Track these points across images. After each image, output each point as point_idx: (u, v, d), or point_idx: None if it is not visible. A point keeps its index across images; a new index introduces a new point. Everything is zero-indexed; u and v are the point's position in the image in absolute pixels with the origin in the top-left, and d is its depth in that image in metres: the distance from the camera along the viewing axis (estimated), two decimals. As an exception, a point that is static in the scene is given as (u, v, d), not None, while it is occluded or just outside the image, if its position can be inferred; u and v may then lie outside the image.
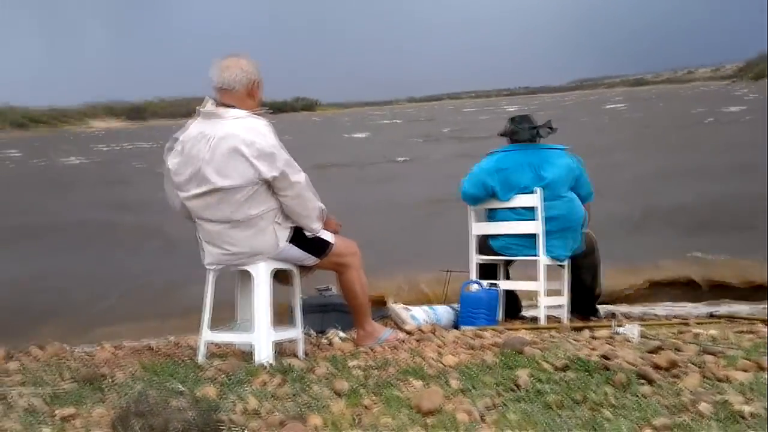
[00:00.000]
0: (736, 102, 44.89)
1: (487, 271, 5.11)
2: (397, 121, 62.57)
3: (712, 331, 4.01)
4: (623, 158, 17.20)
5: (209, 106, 3.62)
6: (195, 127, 3.63)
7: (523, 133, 5.03)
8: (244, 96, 3.63)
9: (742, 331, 4.07)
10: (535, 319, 4.87)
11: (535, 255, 4.82)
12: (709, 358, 3.21)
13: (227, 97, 3.61)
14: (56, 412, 2.88)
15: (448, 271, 5.57)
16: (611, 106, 59.38)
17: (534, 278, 4.85)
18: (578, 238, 4.94)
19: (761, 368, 2.98)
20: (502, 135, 5.17)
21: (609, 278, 5.69)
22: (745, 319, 4.84)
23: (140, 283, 7.61)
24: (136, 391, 3.10)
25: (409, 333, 4.27)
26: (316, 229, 3.75)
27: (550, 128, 5.07)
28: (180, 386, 3.14)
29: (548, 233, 4.82)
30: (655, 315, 5.60)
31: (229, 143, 3.49)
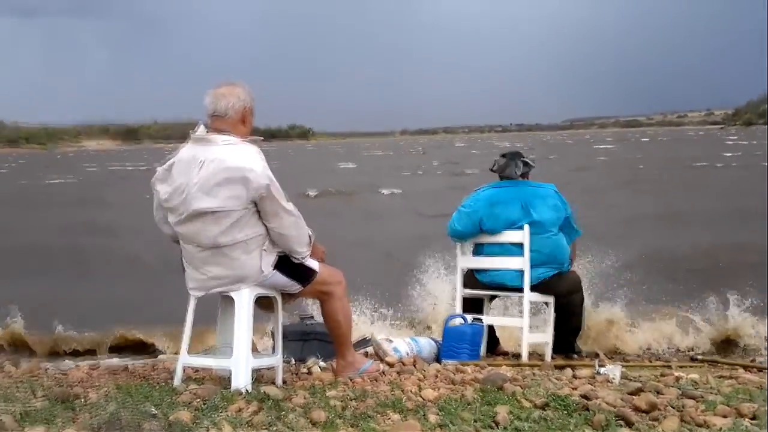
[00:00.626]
0: (726, 148, 45.27)
1: (472, 305, 5.09)
2: (390, 153, 62.82)
3: (694, 375, 3.99)
4: (615, 200, 17.25)
5: (201, 131, 3.61)
6: (186, 151, 3.62)
7: (513, 169, 5.04)
8: (237, 122, 3.62)
9: (722, 376, 4.06)
10: (517, 355, 4.85)
11: (521, 289, 4.80)
12: (689, 402, 3.20)
13: (220, 123, 3.60)
14: (26, 430, 2.83)
15: (433, 304, 5.56)
16: (603, 146, 59.79)
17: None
18: (561, 274, 4.94)
19: (741, 415, 2.97)
20: (492, 171, 5.18)
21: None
22: (727, 363, 4.83)
23: (119, 306, 7.50)
24: (109, 412, 3.05)
25: (390, 365, 4.22)
26: (304, 254, 3.72)
27: (531, 164, 5.10)
28: (153, 409, 3.09)
29: (532, 266, 4.81)
30: (638, 356, 5.58)
31: (219, 168, 3.47)
